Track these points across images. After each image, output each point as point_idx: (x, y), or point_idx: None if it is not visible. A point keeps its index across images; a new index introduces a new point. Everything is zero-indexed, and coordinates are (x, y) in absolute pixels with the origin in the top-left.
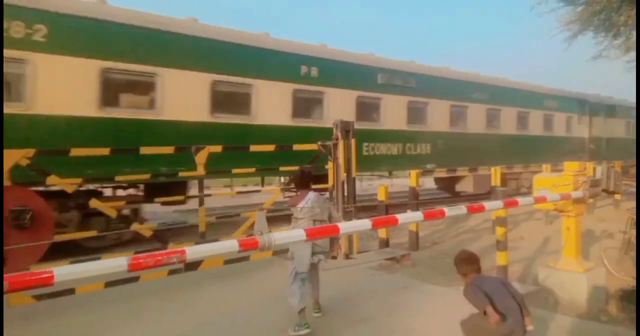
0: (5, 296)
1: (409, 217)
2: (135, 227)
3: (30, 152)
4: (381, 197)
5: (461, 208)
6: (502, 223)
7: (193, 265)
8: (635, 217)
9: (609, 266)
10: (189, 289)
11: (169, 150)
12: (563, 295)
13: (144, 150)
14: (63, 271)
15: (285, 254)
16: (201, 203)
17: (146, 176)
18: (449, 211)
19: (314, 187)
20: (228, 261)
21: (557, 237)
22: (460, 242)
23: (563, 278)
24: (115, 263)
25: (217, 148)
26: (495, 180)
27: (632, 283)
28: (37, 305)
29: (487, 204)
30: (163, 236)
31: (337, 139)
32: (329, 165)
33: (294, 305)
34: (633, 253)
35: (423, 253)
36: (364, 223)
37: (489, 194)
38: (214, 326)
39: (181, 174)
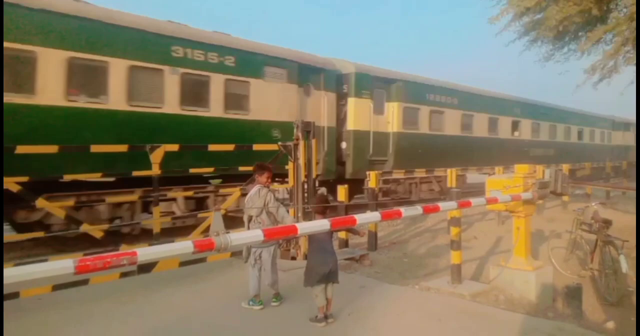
0: None
1: (367, 217)
2: (85, 227)
3: None
4: (341, 197)
5: (417, 209)
6: (456, 223)
7: (147, 267)
8: (580, 218)
9: (557, 264)
10: (142, 292)
11: (122, 148)
12: (513, 293)
13: (95, 148)
14: (5, 274)
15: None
16: (156, 203)
17: (97, 175)
18: (405, 211)
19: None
20: (184, 263)
21: (509, 236)
22: (418, 241)
23: (513, 277)
24: (61, 265)
25: (174, 147)
26: (451, 182)
27: (577, 280)
28: None
29: (442, 204)
30: (115, 238)
31: (297, 139)
32: (289, 166)
33: (250, 291)
34: (579, 252)
35: (382, 253)
36: (323, 224)
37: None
38: (166, 332)
39: (135, 173)
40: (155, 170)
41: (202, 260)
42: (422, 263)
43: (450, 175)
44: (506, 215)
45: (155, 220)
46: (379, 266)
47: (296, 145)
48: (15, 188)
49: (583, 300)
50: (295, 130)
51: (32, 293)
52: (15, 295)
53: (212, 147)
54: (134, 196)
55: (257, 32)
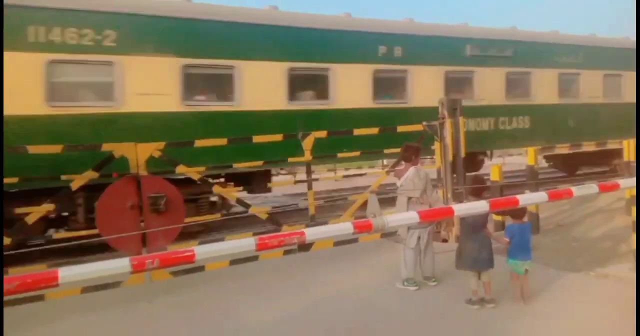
0: (149, 272)
1: (531, 198)
2: (252, 210)
3: (161, 144)
4: (495, 177)
5: (592, 187)
6: None
7: (306, 246)
8: None
9: None
10: (301, 269)
11: (277, 137)
12: None
13: (256, 139)
14: (202, 250)
15: (393, 236)
16: (310, 187)
17: (259, 163)
18: (577, 191)
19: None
20: (338, 243)
21: None
22: (589, 223)
23: None
24: (246, 243)
25: (322, 134)
26: (628, 155)
27: None
28: (173, 280)
29: (622, 182)
30: (277, 219)
31: (443, 118)
32: (436, 146)
33: (403, 274)
34: None
35: (545, 236)
36: (481, 205)
37: (612, 172)
38: (325, 305)
39: (290, 160)
40: (307, 157)
41: (354, 240)
42: (596, 248)
43: (627, 146)
44: None
45: (311, 203)
46: (542, 251)
47: (442, 124)
48: (196, 176)
49: None
50: (440, 108)
51: (215, 266)
52: (201, 269)
53: (357, 132)
54: None
55: None
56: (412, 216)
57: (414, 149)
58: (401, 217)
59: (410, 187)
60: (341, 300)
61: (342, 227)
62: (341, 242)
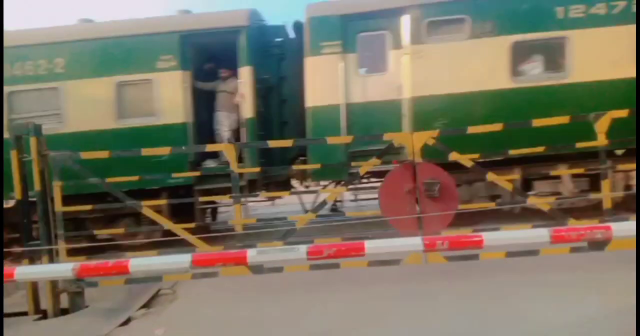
0: (425, 254)
1: None
2: (530, 200)
3: (435, 133)
4: None
5: None
6: None
7: (599, 244)
8: None
9: None
10: (595, 269)
11: (563, 120)
12: None
13: (536, 123)
14: (491, 237)
15: None
16: (604, 176)
17: (540, 148)
18: None
19: None
20: None
21: None
22: None
23: None
24: (538, 233)
25: (623, 113)
26: None
27: None
28: (449, 264)
29: None
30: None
31: None
32: None
33: None
34: None
35: None
36: None
37: None
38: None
39: (578, 145)
40: (602, 141)
41: None
42: None
43: None
44: None
45: (606, 195)
46: None
47: None
48: (469, 163)
49: None
50: None
51: (489, 256)
52: (475, 257)
53: None
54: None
55: None
56: None
57: None
58: None
59: None
60: None
61: None
62: None
